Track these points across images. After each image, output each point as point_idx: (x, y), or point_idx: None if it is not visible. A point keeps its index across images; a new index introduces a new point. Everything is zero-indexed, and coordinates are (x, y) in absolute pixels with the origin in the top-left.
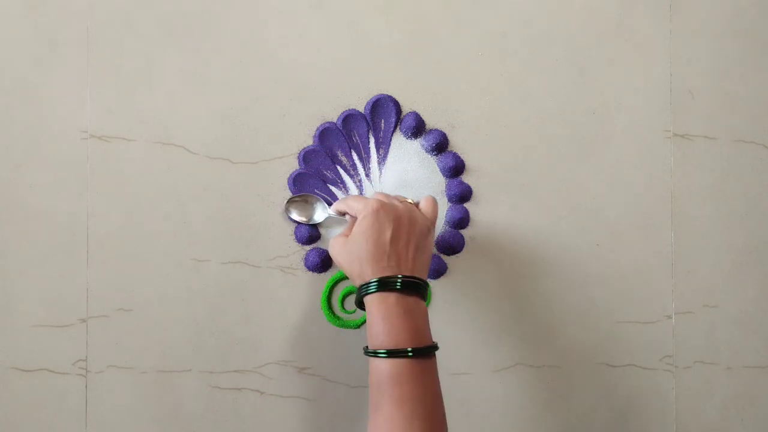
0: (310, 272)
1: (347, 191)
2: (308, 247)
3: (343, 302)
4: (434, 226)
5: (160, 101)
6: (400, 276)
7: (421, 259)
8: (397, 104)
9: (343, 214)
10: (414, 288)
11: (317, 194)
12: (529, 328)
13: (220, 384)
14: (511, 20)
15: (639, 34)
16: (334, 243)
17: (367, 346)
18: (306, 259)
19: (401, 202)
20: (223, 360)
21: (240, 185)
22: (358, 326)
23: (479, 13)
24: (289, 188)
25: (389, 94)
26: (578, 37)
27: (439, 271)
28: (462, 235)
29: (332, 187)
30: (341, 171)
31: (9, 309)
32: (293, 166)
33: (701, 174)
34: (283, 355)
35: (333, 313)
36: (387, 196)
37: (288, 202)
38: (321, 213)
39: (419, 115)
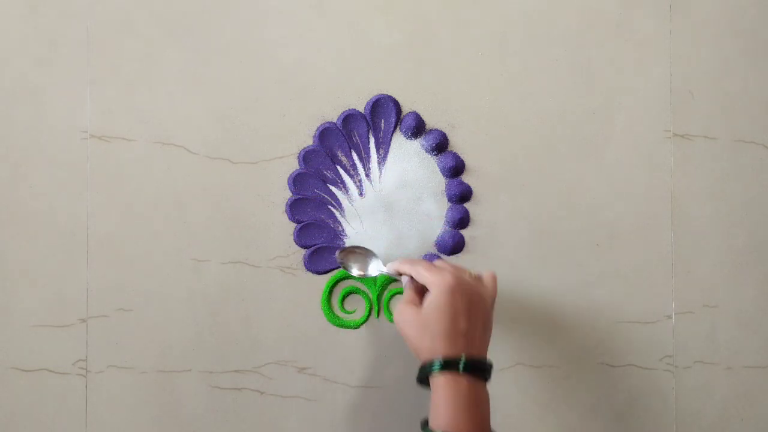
0: (310, 272)
1: (347, 191)
2: (308, 248)
3: (343, 302)
4: (494, 303)
5: (160, 101)
6: (467, 357)
7: (487, 338)
8: (397, 104)
9: (400, 274)
10: (481, 370)
11: (368, 250)
12: (529, 328)
13: (220, 384)
14: (511, 20)
15: (639, 34)
16: (404, 311)
17: (426, 421)
18: (305, 260)
19: (469, 276)
20: (223, 360)
21: (240, 185)
22: (358, 326)
23: (479, 13)
24: (289, 188)
25: (389, 94)
26: (578, 37)
27: None
28: (462, 235)
29: (332, 187)
30: (341, 171)
31: (9, 309)
32: (293, 166)
33: (701, 174)
34: (283, 355)
35: (333, 313)
36: (456, 268)
37: (342, 252)
38: (374, 268)
39: (419, 115)
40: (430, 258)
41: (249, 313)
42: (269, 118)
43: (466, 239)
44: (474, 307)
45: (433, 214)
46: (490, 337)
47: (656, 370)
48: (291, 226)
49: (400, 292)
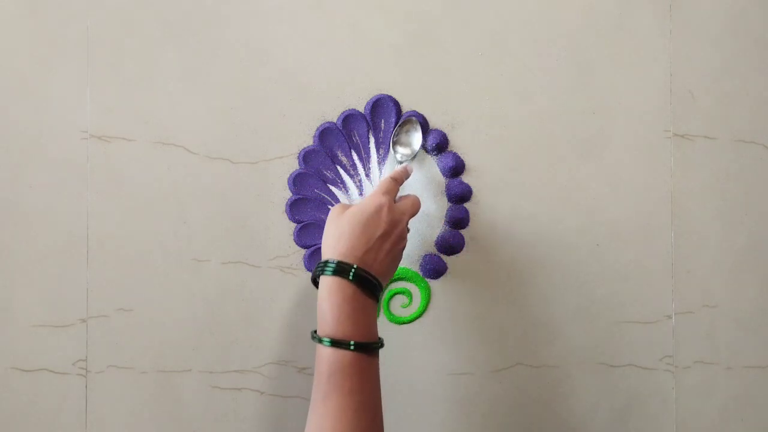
0: (310, 272)
1: (347, 191)
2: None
3: None
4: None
5: (160, 101)
6: (359, 268)
7: (391, 268)
8: (397, 104)
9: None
10: (371, 289)
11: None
12: (529, 328)
13: (220, 384)
14: (511, 20)
15: (639, 34)
16: (336, 207)
17: (315, 330)
18: (305, 260)
19: (403, 208)
20: (223, 360)
21: (240, 185)
22: None
23: (479, 13)
24: (289, 188)
25: (389, 94)
26: (578, 37)
27: (439, 271)
28: (462, 235)
29: (332, 187)
30: (341, 171)
31: (9, 309)
32: (293, 166)
33: (701, 174)
34: (283, 355)
35: None
36: (405, 203)
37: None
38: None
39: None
40: (430, 258)
41: (249, 313)
42: (269, 118)
43: (466, 239)
44: (392, 234)
45: (433, 214)
46: (395, 270)
47: (656, 370)
48: (291, 226)
49: (401, 292)
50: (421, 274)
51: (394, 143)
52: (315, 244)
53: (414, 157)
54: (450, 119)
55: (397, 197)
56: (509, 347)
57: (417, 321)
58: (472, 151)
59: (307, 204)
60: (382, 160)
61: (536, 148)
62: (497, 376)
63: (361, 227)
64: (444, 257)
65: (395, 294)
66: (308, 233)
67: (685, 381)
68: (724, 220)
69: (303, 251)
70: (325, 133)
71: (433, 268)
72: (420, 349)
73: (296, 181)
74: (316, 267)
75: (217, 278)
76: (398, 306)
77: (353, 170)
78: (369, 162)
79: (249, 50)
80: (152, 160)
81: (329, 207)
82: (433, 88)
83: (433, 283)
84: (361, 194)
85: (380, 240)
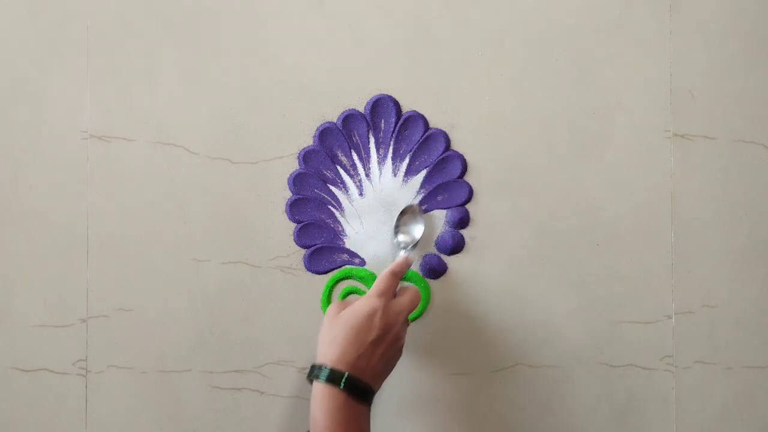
0: (310, 272)
1: (347, 191)
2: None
3: None
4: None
5: (160, 101)
6: (350, 376)
7: (386, 370)
8: (397, 104)
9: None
10: (364, 397)
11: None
12: (529, 328)
13: (220, 384)
14: (511, 20)
15: (639, 34)
16: (333, 306)
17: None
18: (305, 260)
19: (400, 307)
20: (223, 360)
21: (240, 185)
22: None
23: (479, 13)
24: (289, 188)
25: (389, 94)
26: (578, 37)
27: (439, 271)
28: (462, 235)
29: (332, 187)
30: (341, 171)
31: (9, 309)
32: (293, 166)
33: (701, 174)
34: (283, 355)
35: None
36: (403, 299)
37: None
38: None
39: (467, 211)
40: (430, 258)
41: (249, 313)
42: (269, 118)
43: (466, 239)
44: (386, 339)
45: (433, 215)
46: (389, 372)
47: (656, 370)
48: (291, 226)
49: None
50: (421, 274)
51: (397, 227)
52: (315, 244)
53: (415, 245)
54: (450, 119)
55: (397, 288)
56: (509, 347)
57: (417, 321)
58: (472, 151)
59: (307, 204)
60: (382, 160)
61: (536, 148)
62: (497, 376)
63: (354, 333)
64: (444, 257)
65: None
66: (308, 233)
67: (685, 381)
68: (724, 220)
69: (303, 251)
70: (325, 133)
71: (433, 268)
72: (420, 349)
73: (296, 181)
74: (311, 369)
75: (217, 278)
76: None
77: (353, 170)
78: (369, 162)
79: (249, 50)
80: (152, 160)
81: (329, 207)
82: (433, 88)
83: (433, 283)
84: (361, 194)
85: (372, 345)
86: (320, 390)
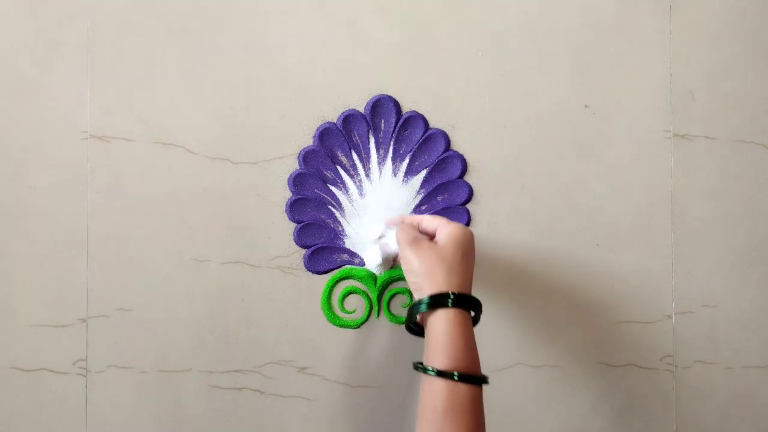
0: (310, 272)
1: (347, 191)
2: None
3: (343, 302)
4: None
5: (160, 101)
6: (479, 303)
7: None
8: (397, 104)
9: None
10: (476, 311)
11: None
12: (529, 328)
13: (220, 384)
14: (511, 20)
15: (639, 34)
16: (421, 242)
17: (421, 363)
18: (305, 260)
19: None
20: (223, 360)
21: (240, 185)
22: (358, 326)
23: (479, 13)
24: (289, 188)
25: (389, 94)
26: (578, 37)
27: None
28: None
29: (332, 187)
30: (341, 171)
31: (9, 309)
32: (293, 166)
33: (701, 174)
34: (283, 355)
35: (333, 312)
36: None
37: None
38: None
39: (468, 211)
40: None
41: (249, 313)
42: (269, 118)
43: None
44: (472, 257)
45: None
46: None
47: (656, 370)
48: (291, 226)
49: (401, 292)
50: None
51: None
52: (315, 244)
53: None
54: (450, 119)
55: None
56: (509, 347)
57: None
58: (472, 151)
59: (307, 204)
60: (382, 161)
61: (536, 148)
62: (497, 376)
63: (470, 257)
64: None
65: (395, 294)
66: (308, 233)
67: (685, 381)
68: (724, 220)
69: (303, 251)
70: (325, 133)
71: None
72: (420, 349)
73: (296, 181)
74: (417, 303)
75: (217, 278)
76: (398, 306)
77: (353, 170)
78: (369, 162)
79: (249, 50)
80: (152, 160)
81: (329, 207)
82: (433, 88)
83: None
84: (361, 194)
85: (470, 262)
86: (450, 315)
